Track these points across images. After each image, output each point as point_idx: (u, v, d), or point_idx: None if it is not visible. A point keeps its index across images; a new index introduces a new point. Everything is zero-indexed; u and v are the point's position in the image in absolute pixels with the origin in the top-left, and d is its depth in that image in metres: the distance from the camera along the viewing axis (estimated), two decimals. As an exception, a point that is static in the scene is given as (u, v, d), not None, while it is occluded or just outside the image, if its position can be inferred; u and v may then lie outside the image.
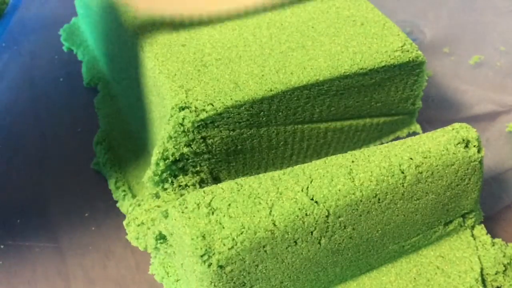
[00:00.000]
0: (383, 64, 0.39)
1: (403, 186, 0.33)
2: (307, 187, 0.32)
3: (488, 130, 0.49)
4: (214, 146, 0.37)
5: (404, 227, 0.35)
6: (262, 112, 0.37)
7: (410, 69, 0.40)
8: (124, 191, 0.43)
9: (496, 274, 0.36)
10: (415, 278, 0.35)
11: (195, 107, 0.35)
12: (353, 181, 0.32)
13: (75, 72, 0.53)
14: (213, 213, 0.30)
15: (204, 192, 0.31)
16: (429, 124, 0.48)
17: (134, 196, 0.42)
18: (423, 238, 0.37)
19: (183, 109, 0.35)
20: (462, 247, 0.37)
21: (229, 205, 0.31)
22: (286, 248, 0.31)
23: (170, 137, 0.35)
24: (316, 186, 0.32)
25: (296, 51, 0.39)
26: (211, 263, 0.29)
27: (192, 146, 0.36)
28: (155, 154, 0.36)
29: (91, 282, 0.38)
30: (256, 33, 0.40)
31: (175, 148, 0.36)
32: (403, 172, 0.33)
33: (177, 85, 0.36)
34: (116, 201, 0.43)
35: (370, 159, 0.34)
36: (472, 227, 0.38)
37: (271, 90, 0.36)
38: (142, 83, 0.41)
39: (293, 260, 0.31)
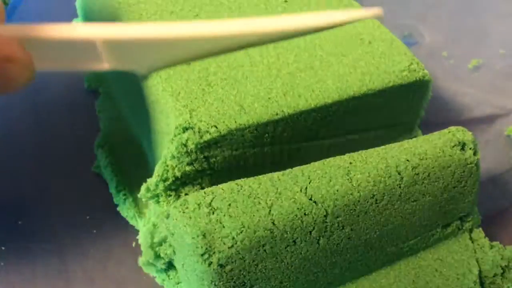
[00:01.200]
0: (391, 84, 0.39)
1: (400, 187, 0.34)
2: (306, 188, 0.32)
3: (486, 133, 0.50)
4: (216, 164, 0.36)
5: (402, 228, 0.35)
6: (266, 134, 0.36)
7: (417, 88, 0.40)
8: (125, 195, 0.43)
9: (494, 276, 0.37)
10: (413, 281, 0.36)
11: (199, 128, 0.34)
12: (350, 182, 0.33)
13: (76, 74, 0.53)
14: (213, 212, 0.31)
15: (204, 192, 0.32)
16: (428, 127, 0.48)
17: (134, 200, 0.42)
18: (421, 241, 0.37)
19: (186, 130, 0.34)
20: (460, 250, 0.37)
21: (229, 205, 0.31)
22: (285, 247, 0.31)
23: (173, 157, 0.35)
24: (314, 187, 0.32)
25: (304, 72, 0.38)
26: (212, 262, 0.30)
27: (194, 164, 0.36)
28: (155, 176, 0.36)
29: (92, 283, 0.39)
30: (262, 53, 0.39)
31: (177, 167, 0.35)
32: (399, 173, 0.34)
33: (181, 105, 0.35)
34: (117, 204, 0.43)
35: (367, 160, 0.34)
36: (470, 230, 0.39)
37: (277, 114, 0.36)
38: (144, 94, 0.40)
39: (292, 260, 0.32)
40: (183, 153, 0.35)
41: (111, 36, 0.35)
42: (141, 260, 0.36)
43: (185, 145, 0.34)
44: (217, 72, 0.38)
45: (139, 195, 0.37)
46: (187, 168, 0.36)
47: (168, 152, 0.35)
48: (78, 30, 0.34)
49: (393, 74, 0.39)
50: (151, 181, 0.36)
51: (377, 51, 0.40)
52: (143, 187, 0.37)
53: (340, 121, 0.39)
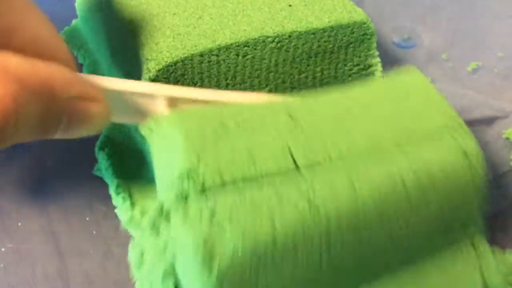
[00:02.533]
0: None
1: (403, 194, 0.34)
2: (308, 195, 0.32)
3: (485, 135, 0.50)
4: None
5: (405, 237, 0.35)
6: None
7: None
8: (124, 197, 0.43)
9: (497, 283, 0.37)
10: None
11: (203, 175, 0.32)
12: (354, 191, 0.33)
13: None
14: (214, 219, 0.31)
15: (206, 199, 0.32)
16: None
17: (132, 204, 0.42)
18: (424, 250, 0.36)
19: (190, 174, 0.32)
20: (463, 258, 0.37)
21: (231, 212, 0.31)
22: (287, 255, 0.31)
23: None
24: (317, 195, 0.32)
25: (328, 122, 0.35)
26: (212, 269, 0.29)
27: None
28: (147, 219, 0.33)
29: (91, 284, 0.39)
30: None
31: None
32: (403, 181, 0.34)
33: (191, 145, 0.33)
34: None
35: (370, 168, 0.34)
36: (473, 237, 0.38)
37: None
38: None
39: (293, 269, 0.31)
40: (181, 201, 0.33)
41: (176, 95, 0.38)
42: None
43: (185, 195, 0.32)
44: (233, 116, 0.35)
45: (122, 223, 0.37)
46: None
47: (167, 199, 0.33)
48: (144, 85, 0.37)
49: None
50: (138, 217, 0.35)
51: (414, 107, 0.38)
52: (126, 218, 0.36)
53: None
